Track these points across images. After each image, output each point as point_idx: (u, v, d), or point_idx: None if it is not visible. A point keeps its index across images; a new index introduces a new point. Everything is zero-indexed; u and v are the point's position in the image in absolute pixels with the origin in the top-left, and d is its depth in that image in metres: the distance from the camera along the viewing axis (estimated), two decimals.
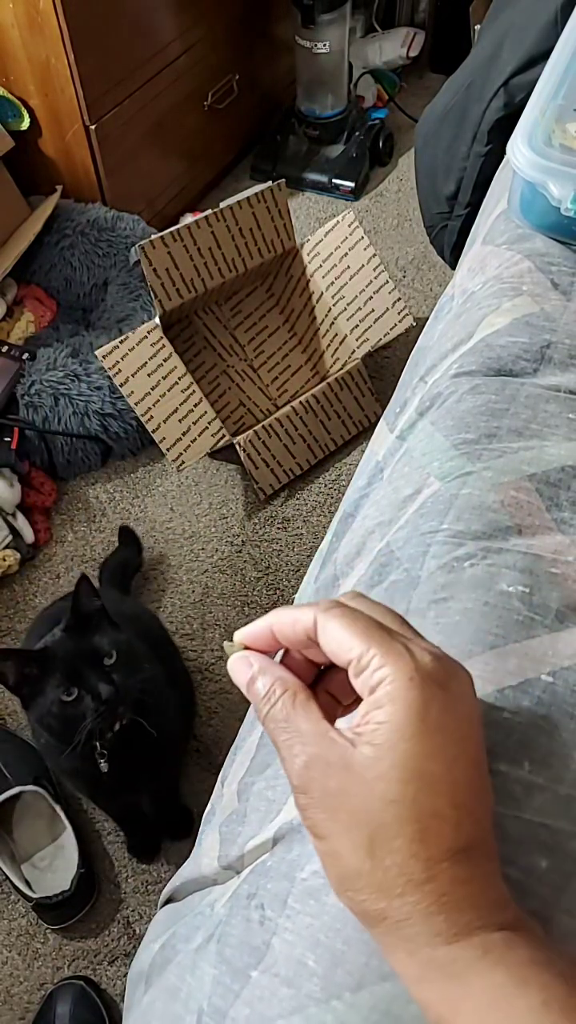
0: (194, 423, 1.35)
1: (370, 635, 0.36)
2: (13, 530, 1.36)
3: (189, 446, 1.35)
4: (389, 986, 0.39)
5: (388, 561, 0.55)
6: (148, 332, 1.33)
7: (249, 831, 0.52)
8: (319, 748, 0.35)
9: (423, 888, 0.33)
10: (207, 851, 0.57)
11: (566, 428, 0.56)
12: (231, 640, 0.42)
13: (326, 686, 0.41)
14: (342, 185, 1.98)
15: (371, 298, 1.51)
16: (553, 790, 0.41)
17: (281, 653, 0.42)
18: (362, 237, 1.51)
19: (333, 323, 1.54)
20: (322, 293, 1.53)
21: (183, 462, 1.35)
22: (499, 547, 0.50)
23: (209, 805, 0.67)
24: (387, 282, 1.52)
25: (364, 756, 0.34)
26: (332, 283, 1.52)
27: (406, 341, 1.46)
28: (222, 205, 1.40)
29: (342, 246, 1.51)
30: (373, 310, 1.51)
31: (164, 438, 1.34)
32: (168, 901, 0.64)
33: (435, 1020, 0.34)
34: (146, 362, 1.33)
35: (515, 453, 0.55)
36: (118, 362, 1.31)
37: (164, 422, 1.33)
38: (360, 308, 1.52)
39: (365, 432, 1.54)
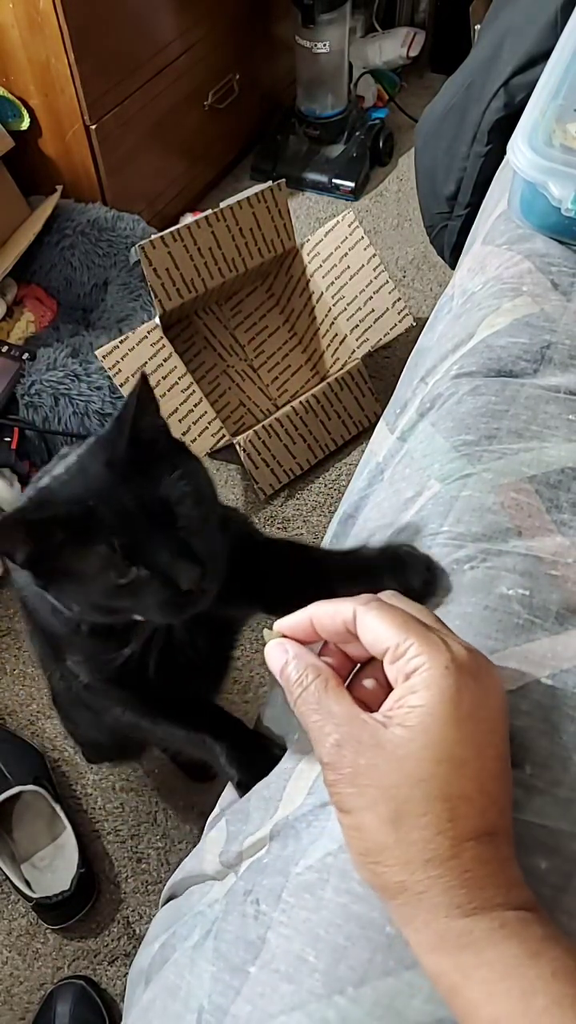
0: (194, 423, 1.35)
1: (408, 626, 0.38)
2: None
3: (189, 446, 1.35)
4: (392, 981, 0.39)
5: None
6: (148, 332, 1.33)
7: (250, 828, 0.53)
8: (351, 728, 0.37)
9: (447, 864, 0.35)
10: (210, 848, 0.58)
11: (566, 429, 0.56)
12: (270, 628, 0.44)
13: (356, 690, 0.42)
14: (342, 185, 1.98)
15: (371, 298, 1.51)
16: (553, 793, 0.42)
17: (320, 646, 0.44)
18: (362, 237, 1.51)
19: (333, 323, 1.54)
20: (322, 293, 1.53)
21: None
22: (499, 549, 0.50)
23: (217, 807, 0.67)
24: (387, 282, 1.51)
25: (396, 736, 0.36)
26: (332, 283, 1.52)
27: (406, 341, 1.46)
28: (222, 205, 1.40)
29: (342, 246, 1.51)
30: (373, 310, 1.51)
31: None
32: (170, 898, 0.64)
33: (447, 988, 0.35)
34: (146, 362, 1.33)
35: (515, 455, 0.55)
36: (118, 362, 1.31)
37: None
38: (360, 308, 1.51)
39: (365, 432, 1.54)
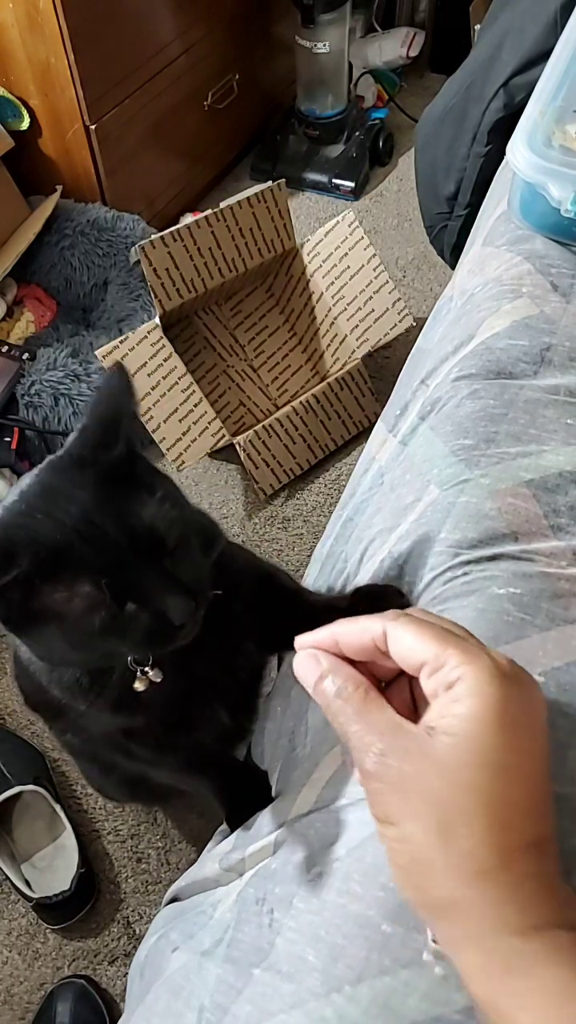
0: (194, 423, 1.35)
1: (445, 639, 0.37)
2: None
3: (189, 446, 1.35)
4: (388, 980, 0.39)
5: (391, 569, 0.55)
6: (148, 332, 1.33)
7: (256, 837, 0.53)
8: (395, 737, 0.36)
9: (495, 877, 0.34)
10: (215, 856, 0.58)
11: (564, 433, 0.56)
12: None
13: None
14: (342, 185, 1.98)
15: (371, 298, 1.51)
16: None
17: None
18: (362, 237, 1.51)
19: (333, 323, 1.54)
20: (322, 293, 1.53)
21: (183, 462, 1.35)
22: (493, 553, 0.50)
23: (224, 825, 0.68)
24: (387, 282, 1.52)
25: (443, 744, 0.35)
26: (332, 283, 1.52)
27: (406, 341, 1.46)
28: (222, 205, 1.40)
29: (342, 246, 1.51)
30: (373, 310, 1.51)
31: (164, 438, 1.34)
32: (172, 900, 0.64)
33: (497, 1016, 0.33)
34: (146, 362, 1.33)
35: (513, 459, 0.55)
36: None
37: (164, 422, 1.33)
38: (360, 308, 1.52)
39: (365, 432, 1.54)
